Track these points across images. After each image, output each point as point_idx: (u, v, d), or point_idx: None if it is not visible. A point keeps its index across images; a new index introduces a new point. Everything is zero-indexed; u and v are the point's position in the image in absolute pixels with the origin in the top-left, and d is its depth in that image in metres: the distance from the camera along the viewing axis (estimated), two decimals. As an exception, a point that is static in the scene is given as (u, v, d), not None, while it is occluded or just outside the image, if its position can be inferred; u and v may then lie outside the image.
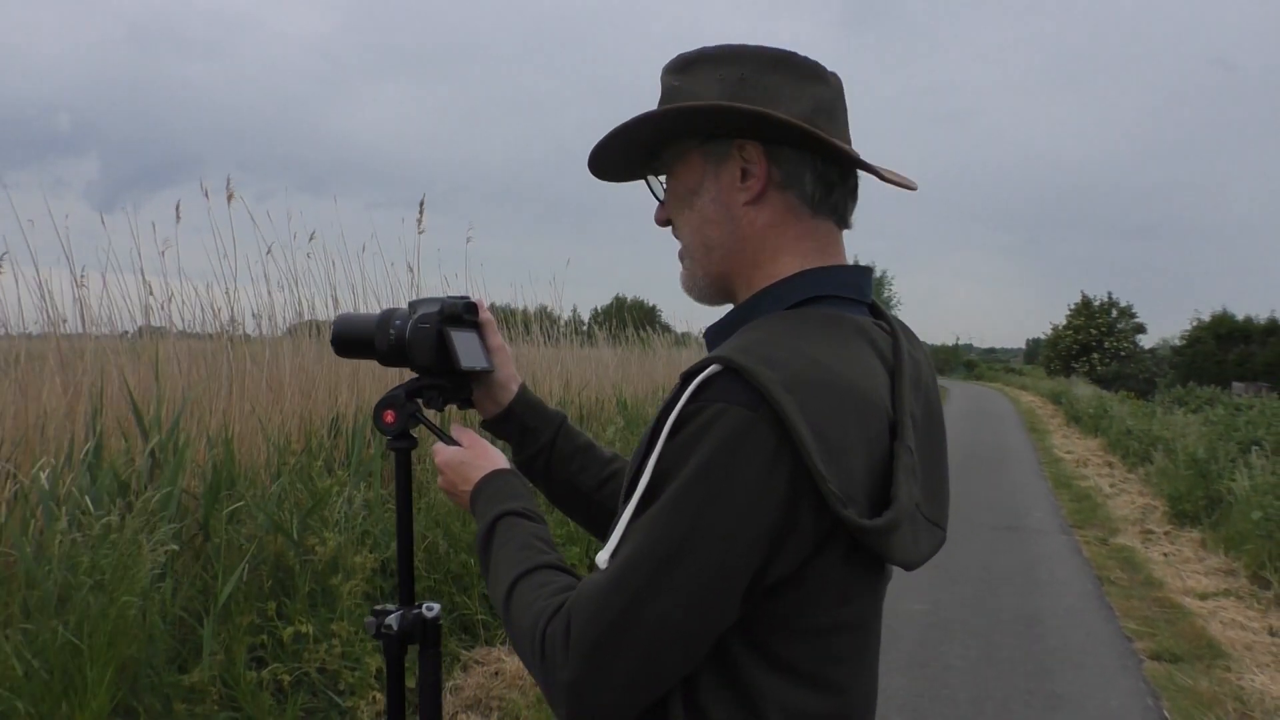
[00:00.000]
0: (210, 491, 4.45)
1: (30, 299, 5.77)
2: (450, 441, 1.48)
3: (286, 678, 4.04)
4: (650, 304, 45.22)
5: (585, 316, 16.37)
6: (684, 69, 1.22)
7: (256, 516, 4.53)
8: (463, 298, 1.52)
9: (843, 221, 1.24)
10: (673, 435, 1.02)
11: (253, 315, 7.33)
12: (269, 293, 7.20)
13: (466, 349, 1.47)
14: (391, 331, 1.50)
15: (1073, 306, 56.35)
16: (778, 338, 1.07)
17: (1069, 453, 17.53)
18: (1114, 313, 54.85)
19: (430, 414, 1.54)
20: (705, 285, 1.26)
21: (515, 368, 1.58)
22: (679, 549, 0.99)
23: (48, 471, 3.98)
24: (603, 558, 1.03)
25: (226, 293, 6.95)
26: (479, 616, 5.40)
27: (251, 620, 4.10)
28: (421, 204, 7.52)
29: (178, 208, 6.08)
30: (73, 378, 5.16)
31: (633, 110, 1.22)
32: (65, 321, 5.93)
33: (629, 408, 11.13)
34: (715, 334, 1.24)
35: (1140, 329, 54.77)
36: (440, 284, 9.14)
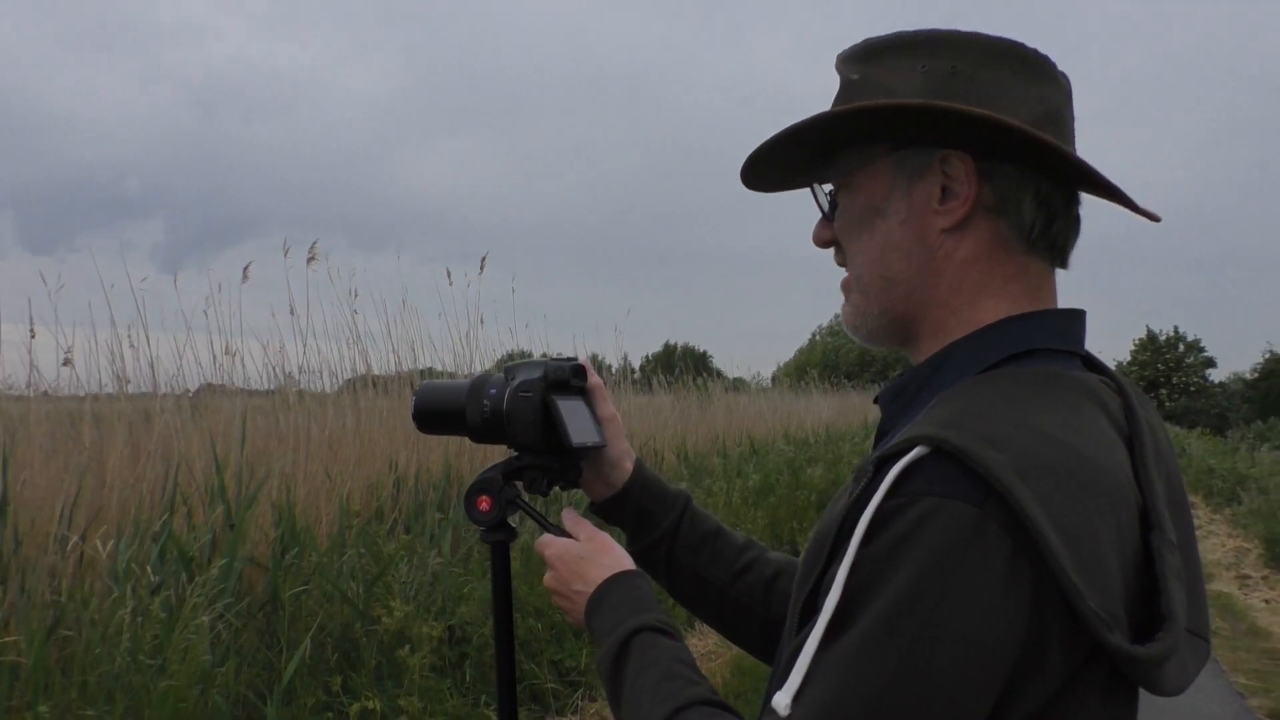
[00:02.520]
0: (277, 562, 4.28)
1: (88, 360, 5.74)
2: (560, 532, 1.25)
3: (354, 758, 3.82)
4: (701, 350, 45.02)
5: (636, 364, 16.16)
6: (872, 57, 0.98)
7: (324, 587, 4.34)
8: (569, 359, 1.29)
9: (1061, 260, 0.99)
10: (869, 539, 0.78)
11: (307, 371, 7.29)
12: (317, 348, 7.15)
13: (576, 421, 1.25)
14: (486, 402, 1.28)
15: (1137, 342, 55.32)
16: (992, 407, 0.84)
17: (1147, 494, 16.87)
18: (1181, 347, 53.80)
19: (532, 499, 1.31)
20: (879, 324, 1.02)
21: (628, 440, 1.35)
22: (889, 692, 0.75)
23: (110, 544, 3.84)
24: (783, 701, 0.78)
25: (282, 349, 6.93)
26: (549, 685, 5.15)
27: (317, 698, 3.90)
28: (483, 260, 7.53)
29: (246, 269, 6.05)
30: (135, 442, 5.07)
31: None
32: (128, 383, 5.92)
33: (691, 459, 10.86)
34: (893, 397, 1.00)
35: (1210, 363, 53.64)
36: (499, 336, 9.02)
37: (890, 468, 0.80)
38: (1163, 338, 54.45)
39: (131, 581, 3.58)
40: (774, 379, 28.38)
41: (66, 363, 5.75)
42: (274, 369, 7.01)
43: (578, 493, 1.36)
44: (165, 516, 4.33)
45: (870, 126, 0.97)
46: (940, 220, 0.95)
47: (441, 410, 1.32)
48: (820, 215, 1.07)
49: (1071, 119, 0.98)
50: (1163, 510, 0.86)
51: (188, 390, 6.61)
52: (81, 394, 5.83)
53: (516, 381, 1.25)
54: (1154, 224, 1.00)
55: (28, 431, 4.90)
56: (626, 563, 1.19)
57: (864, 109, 0.94)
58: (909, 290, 0.98)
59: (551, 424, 1.23)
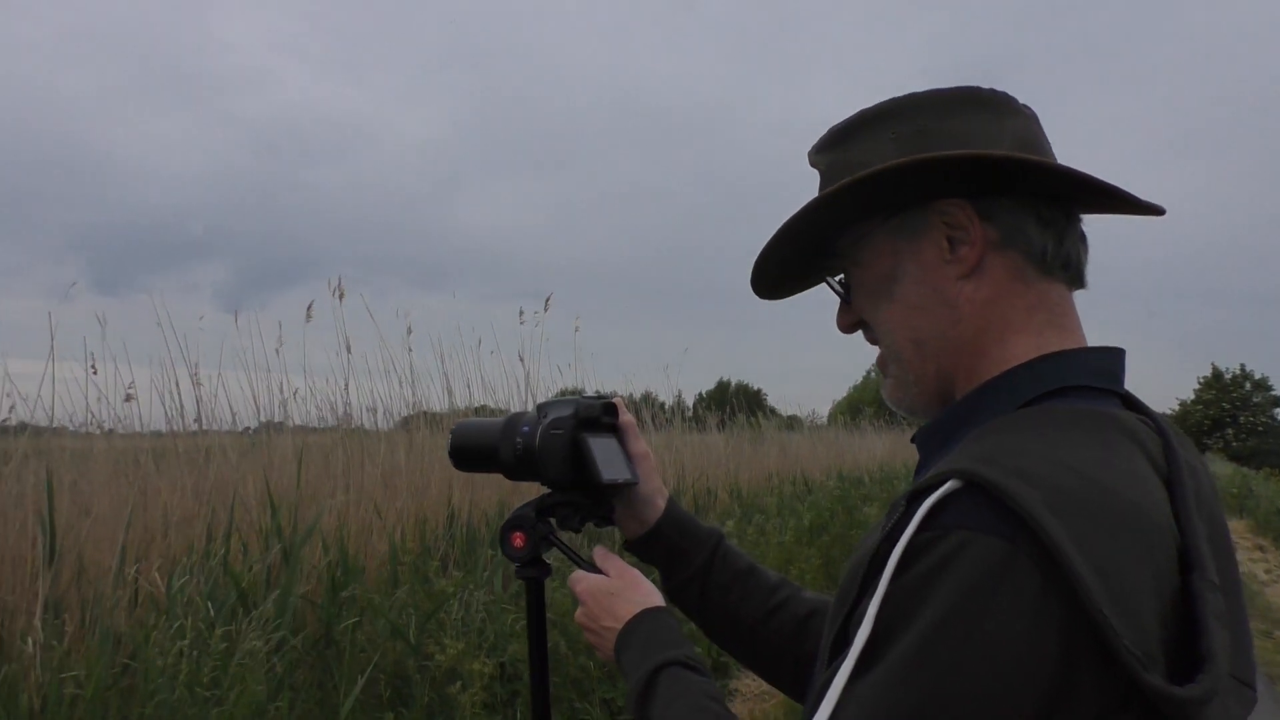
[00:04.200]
0: (331, 597, 4.33)
1: (155, 398, 5.90)
2: (591, 568, 1.27)
3: (404, 795, 3.84)
4: (755, 388, 44.87)
5: (690, 402, 16.10)
6: (841, 141, 1.02)
7: (377, 623, 4.38)
8: (600, 397, 1.32)
9: (1077, 279, 1.00)
10: (900, 572, 0.78)
11: (367, 410, 7.41)
12: (371, 387, 7.26)
13: (607, 458, 1.27)
14: (518, 440, 1.31)
15: (1202, 380, 54.07)
16: (1026, 444, 0.84)
17: (1214, 536, 16.41)
18: (1248, 385, 52.43)
19: (565, 536, 1.34)
20: (920, 392, 1.02)
21: (660, 477, 1.37)
22: None
23: (167, 578, 3.92)
24: None
25: (345, 387, 7.05)
26: (599, 724, 5.13)
27: (369, 733, 3.93)
28: (548, 300, 7.68)
29: (309, 308, 6.21)
30: (193, 478, 5.19)
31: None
32: (195, 421, 6.06)
33: (744, 498, 10.80)
34: (929, 437, 1.00)
35: (1277, 401, 52.15)
36: (553, 374, 9.11)
37: (922, 501, 0.80)
38: (1229, 375, 53.22)
39: (189, 614, 3.65)
40: (830, 416, 28.17)
41: (128, 399, 5.90)
42: (330, 407, 7.15)
43: (613, 529, 1.38)
44: (222, 551, 4.40)
45: (860, 201, 0.99)
46: (954, 269, 0.97)
47: (476, 448, 1.35)
48: (840, 303, 1.09)
49: (1047, 143, 1.00)
50: (1204, 550, 0.83)
51: (248, 428, 6.76)
52: (144, 431, 5.99)
53: (548, 419, 1.28)
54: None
55: (90, 467, 5.04)
56: (656, 599, 1.21)
57: (850, 184, 0.96)
58: (939, 346, 0.99)
59: (582, 461, 1.25)
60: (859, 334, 1.09)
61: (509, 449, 1.31)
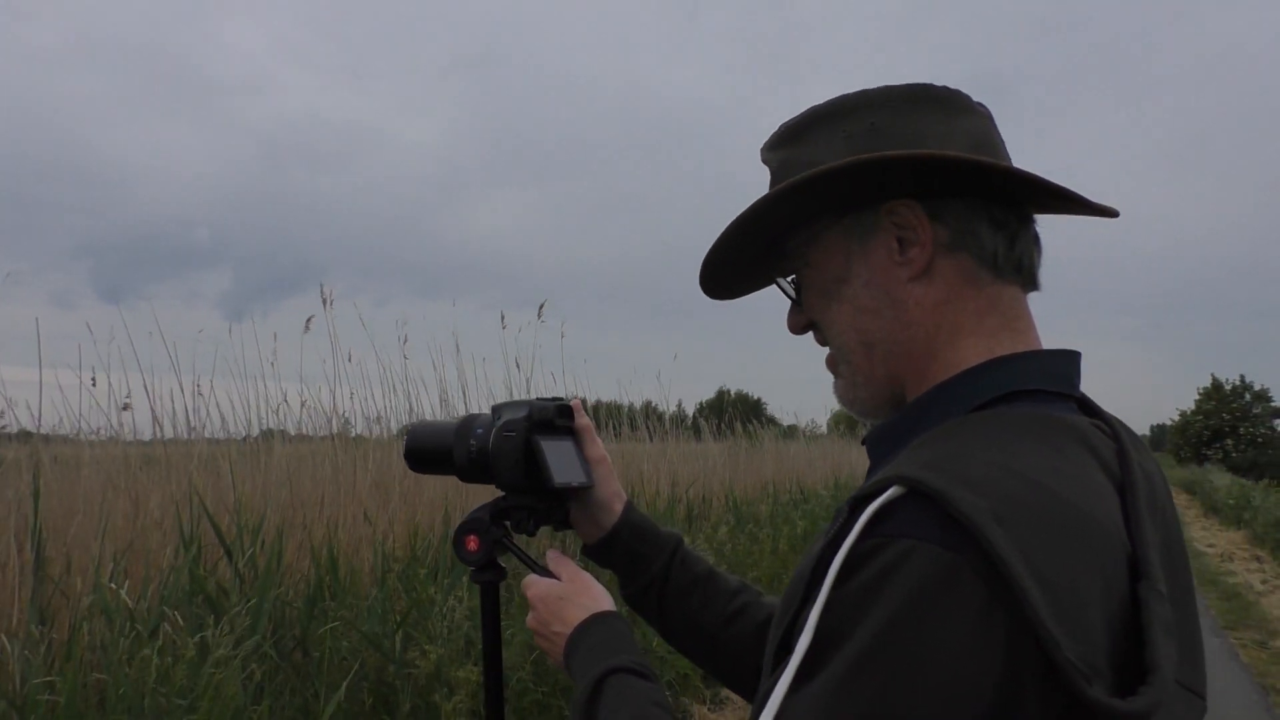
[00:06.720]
0: (309, 603, 4.30)
1: (149, 406, 5.89)
2: (545, 572, 1.25)
3: (386, 804, 3.81)
4: (754, 396, 44.91)
5: (689, 410, 16.05)
6: (793, 138, 1.00)
7: (356, 630, 4.36)
8: (555, 399, 1.30)
9: (1031, 282, 0.98)
10: (842, 581, 0.76)
11: (364, 418, 7.40)
12: (369, 396, 7.25)
13: (560, 461, 1.25)
14: (473, 442, 1.29)
15: (1202, 391, 54.05)
16: (973, 449, 0.81)
17: (1210, 546, 16.43)
18: (1247, 396, 52.40)
19: (520, 540, 1.32)
20: (870, 395, 1.01)
21: (619, 481, 1.35)
22: None
23: (145, 585, 3.89)
24: None
25: (347, 395, 7.04)
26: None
27: (351, 741, 3.90)
28: (541, 306, 7.66)
29: (308, 322, 6.20)
30: (179, 486, 5.17)
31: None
32: (190, 429, 6.05)
33: (739, 506, 10.77)
34: (879, 440, 0.98)
35: (1278, 412, 52.12)
36: (545, 381, 9.10)
37: (865, 508, 0.77)
38: (1228, 386, 53.20)
39: (159, 620, 3.63)
40: (829, 426, 28.13)
41: (125, 408, 5.90)
42: (326, 415, 7.13)
43: (571, 533, 1.36)
44: (193, 557, 4.39)
45: (808, 201, 0.97)
46: (904, 271, 0.95)
47: (431, 449, 1.33)
48: (790, 304, 1.07)
49: (1002, 144, 0.99)
50: (1153, 559, 0.81)
51: (245, 436, 6.74)
52: (136, 439, 5.99)
53: (501, 421, 1.26)
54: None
55: (78, 475, 5.03)
56: (606, 603, 1.19)
57: (796, 184, 0.94)
58: (888, 348, 0.97)
59: (535, 464, 1.24)
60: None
61: (463, 451, 1.29)
